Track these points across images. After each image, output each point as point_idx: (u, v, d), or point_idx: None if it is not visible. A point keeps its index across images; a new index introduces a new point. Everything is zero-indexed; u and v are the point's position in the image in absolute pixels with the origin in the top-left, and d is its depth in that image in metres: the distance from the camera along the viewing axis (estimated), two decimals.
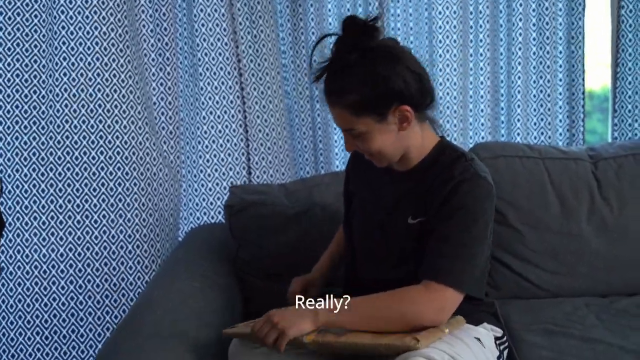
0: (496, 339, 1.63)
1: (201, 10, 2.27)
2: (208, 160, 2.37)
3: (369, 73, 1.43)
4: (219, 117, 2.34)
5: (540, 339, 1.83)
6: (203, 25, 2.28)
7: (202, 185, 2.40)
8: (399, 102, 1.45)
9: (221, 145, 2.36)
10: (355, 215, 1.71)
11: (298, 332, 1.41)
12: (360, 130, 1.47)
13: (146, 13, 2.27)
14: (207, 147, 2.36)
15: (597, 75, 2.58)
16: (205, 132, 2.35)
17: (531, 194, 2.09)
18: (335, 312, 1.44)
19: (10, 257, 2.26)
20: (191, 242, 2.18)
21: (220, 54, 2.30)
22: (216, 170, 2.38)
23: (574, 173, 2.12)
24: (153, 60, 2.30)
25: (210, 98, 2.33)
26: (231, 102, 2.34)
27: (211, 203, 2.41)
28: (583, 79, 2.40)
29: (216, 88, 2.32)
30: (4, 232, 1.82)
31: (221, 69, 2.31)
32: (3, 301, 2.30)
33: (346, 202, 1.82)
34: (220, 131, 2.35)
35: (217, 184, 2.39)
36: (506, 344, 1.68)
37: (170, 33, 2.30)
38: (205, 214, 2.42)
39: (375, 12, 2.38)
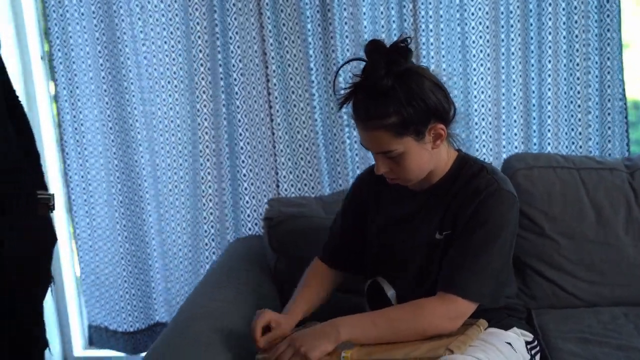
0: (527, 343, 1.72)
1: (236, 32, 2.50)
2: (245, 175, 2.58)
3: (407, 93, 1.50)
4: (253, 133, 2.57)
5: (575, 347, 1.89)
6: (238, 47, 2.50)
7: (240, 199, 2.61)
8: (434, 119, 1.55)
9: (255, 161, 2.59)
10: (378, 237, 1.77)
11: (320, 353, 1.50)
12: (399, 151, 1.55)
13: (202, 39, 2.54)
14: (243, 162, 2.57)
15: None
16: (242, 148, 2.56)
17: (566, 204, 2.17)
18: (356, 327, 1.55)
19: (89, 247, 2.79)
20: (233, 253, 2.33)
21: (252, 74, 2.54)
22: (252, 184, 2.59)
23: (610, 183, 2.19)
24: (204, 87, 2.58)
25: (245, 115, 2.55)
26: (262, 119, 2.56)
27: (248, 215, 2.62)
28: (623, 90, 2.46)
29: (250, 106, 2.55)
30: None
31: (253, 88, 2.55)
32: None
33: (345, 232, 1.85)
34: (254, 147, 2.57)
35: (254, 197, 2.61)
36: (537, 348, 1.76)
37: (212, 57, 2.55)
38: (243, 225, 2.63)
39: (410, 27, 2.49)
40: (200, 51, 2.55)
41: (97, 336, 2.90)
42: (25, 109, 1.91)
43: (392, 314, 1.60)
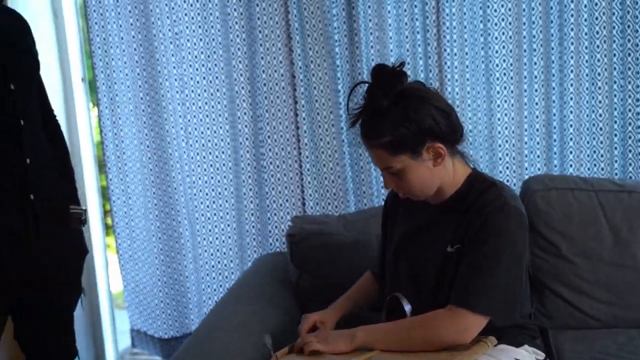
0: None
1: (262, 58, 2.65)
2: (267, 192, 2.73)
3: (401, 115, 1.58)
4: (277, 153, 2.71)
5: None
6: (264, 71, 2.65)
7: (264, 216, 2.77)
8: (431, 139, 1.61)
9: (279, 179, 2.72)
10: (393, 250, 1.84)
11: (329, 350, 1.65)
12: (397, 168, 1.63)
13: (243, 63, 2.70)
14: (265, 180, 2.72)
15: None
16: (264, 167, 2.72)
17: (584, 225, 2.19)
18: (370, 333, 1.66)
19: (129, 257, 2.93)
20: (258, 269, 2.42)
21: (278, 96, 2.68)
22: (274, 201, 2.73)
23: (628, 205, 2.21)
24: (245, 109, 2.74)
25: (269, 137, 2.71)
26: (288, 140, 2.69)
27: (269, 231, 2.77)
28: None
29: (274, 128, 2.70)
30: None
31: (279, 110, 2.69)
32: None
33: (383, 246, 1.96)
34: (277, 166, 2.72)
35: (275, 214, 2.75)
36: None
37: (240, 82, 2.71)
38: (266, 241, 2.78)
39: (434, 51, 2.56)
40: (241, 74, 2.70)
41: (139, 339, 3.04)
42: (65, 129, 2.02)
43: (403, 323, 1.68)
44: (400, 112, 1.58)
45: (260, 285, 2.23)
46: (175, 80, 2.72)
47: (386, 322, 1.74)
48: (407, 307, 1.75)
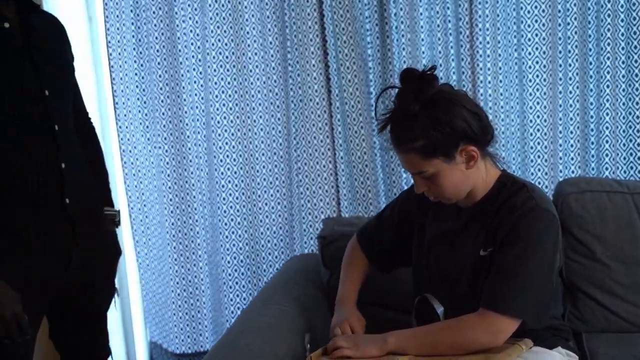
0: None
1: (297, 62, 2.64)
2: (301, 194, 2.71)
3: (433, 119, 1.59)
4: (310, 155, 2.70)
5: None
6: (299, 75, 2.65)
7: (298, 217, 2.75)
8: (464, 142, 1.61)
9: (313, 180, 2.71)
10: (426, 252, 1.84)
11: (360, 354, 1.65)
12: (431, 172, 1.63)
13: (281, 68, 2.71)
14: (300, 181, 2.71)
15: None
16: (299, 169, 2.71)
17: (619, 228, 2.18)
18: (401, 338, 1.67)
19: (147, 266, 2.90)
20: (290, 270, 2.43)
21: (311, 99, 2.66)
22: (308, 201, 2.72)
23: None
24: (280, 107, 2.75)
25: (303, 138, 2.69)
26: (321, 141, 2.68)
27: (304, 230, 2.76)
28: None
29: (308, 130, 2.68)
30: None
31: (312, 112, 2.68)
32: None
33: (390, 223, 1.96)
34: (312, 167, 2.70)
35: (309, 214, 2.74)
36: None
37: (280, 84, 2.72)
38: (300, 241, 2.77)
39: (467, 53, 2.55)
40: (280, 76, 2.70)
41: (156, 352, 3.02)
42: (99, 132, 2.04)
43: (434, 328, 1.69)
44: (432, 116, 1.59)
45: (290, 286, 2.25)
46: (196, 83, 2.71)
47: (418, 327, 1.75)
48: (440, 310, 1.75)
